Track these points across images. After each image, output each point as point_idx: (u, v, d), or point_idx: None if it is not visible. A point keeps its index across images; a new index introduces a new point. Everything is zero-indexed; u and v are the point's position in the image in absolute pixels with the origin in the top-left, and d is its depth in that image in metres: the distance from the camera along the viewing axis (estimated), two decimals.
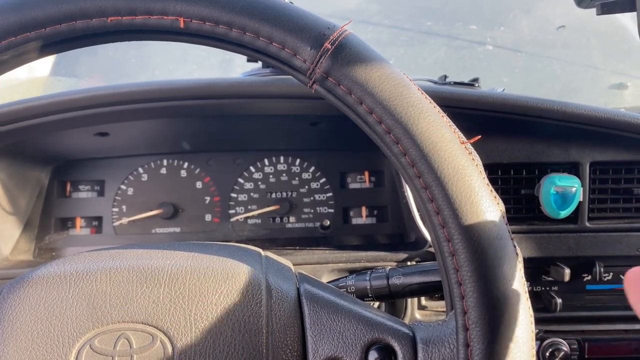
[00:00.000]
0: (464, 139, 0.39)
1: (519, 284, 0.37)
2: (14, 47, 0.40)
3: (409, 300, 0.84)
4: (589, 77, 1.71)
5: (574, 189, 0.82)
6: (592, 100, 1.65)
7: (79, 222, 0.98)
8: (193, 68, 1.92)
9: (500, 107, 0.80)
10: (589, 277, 0.88)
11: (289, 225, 0.99)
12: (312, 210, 0.99)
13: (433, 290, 0.56)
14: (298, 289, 0.46)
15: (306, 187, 1.00)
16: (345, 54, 0.39)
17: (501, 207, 0.38)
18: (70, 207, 0.98)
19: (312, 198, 0.99)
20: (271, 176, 1.00)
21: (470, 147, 0.39)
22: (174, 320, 0.41)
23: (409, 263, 0.85)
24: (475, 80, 0.92)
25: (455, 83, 0.91)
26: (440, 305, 0.88)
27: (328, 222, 0.96)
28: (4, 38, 0.39)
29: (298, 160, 1.00)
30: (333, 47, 0.39)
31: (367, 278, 0.58)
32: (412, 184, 0.39)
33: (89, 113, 0.77)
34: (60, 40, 0.43)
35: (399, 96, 0.39)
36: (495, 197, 0.38)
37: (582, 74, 1.71)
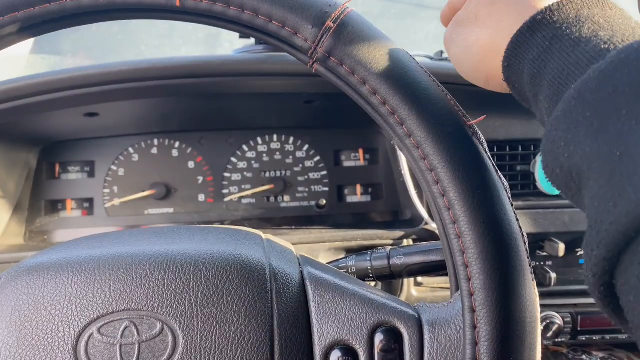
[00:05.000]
0: (470, 119, 0.39)
1: (525, 263, 0.37)
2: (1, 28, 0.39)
3: (407, 278, 0.84)
4: None
5: None
6: None
7: (70, 204, 0.97)
8: (179, 43, 1.88)
9: None
10: (583, 252, 0.89)
11: (284, 205, 0.98)
12: (306, 189, 0.98)
13: (434, 270, 0.55)
14: (301, 272, 0.45)
15: (300, 165, 0.99)
16: (347, 32, 0.37)
17: (506, 187, 0.38)
18: (60, 189, 0.96)
19: (306, 177, 0.98)
20: (265, 155, 0.98)
21: (476, 127, 0.39)
22: (179, 306, 0.40)
23: (405, 241, 0.85)
24: None
25: None
26: (436, 281, 0.88)
27: (324, 202, 0.96)
28: None
29: (292, 139, 0.99)
30: (335, 25, 0.38)
31: (368, 259, 0.57)
32: (416, 165, 0.38)
33: (78, 93, 0.75)
34: (50, 20, 0.41)
35: (403, 76, 0.38)
36: (500, 177, 0.38)
37: None
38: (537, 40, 0.33)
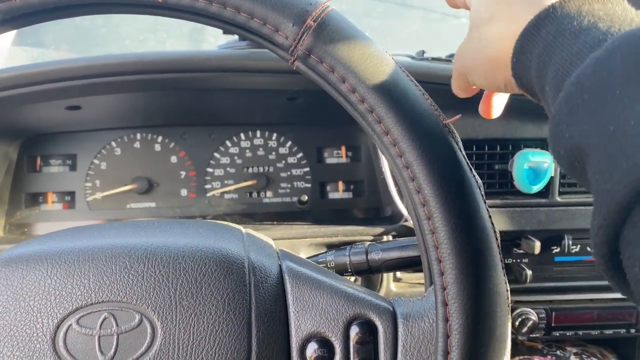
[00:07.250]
0: (445, 118, 0.40)
1: (496, 259, 0.38)
2: None
3: (384, 273, 0.85)
4: None
5: (546, 164, 0.84)
6: None
7: (51, 197, 0.96)
8: (164, 37, 1.87)
9: None
10: (558, 250, 0.91)
11: (266, 200, 0.99)
12: (289, 185, 0.99)
13: (411, 265, 0.57)
14: (280, 266, 0.46)
15: (283, 161, 0.99)
16: (328, 31, 0.38)
17: (479, 184, 0.39)
18: (41, 182, 0.96)
19: (289, 173, 0.99)
20: (247, 151, 0.99)
21: (451, 126, 0.40)
22: (158, 298, 0.41)
23: (385, 237, 0.86)
24: (452, 56, 0.92)
25: (433, 59, 0.91)
26: (414, 277, 0.90)
27: (306, 197, 0.96)
28: None
29: (275, 135, 0.99)
30: (316, 23, 0.38)
31: (347, 254, 0.58)
32: (393, 162, 0.39)
33: (61, 86, 0.75)
34: (32, 12, 0.41)
35: (382, 75, 0.38)
36: (474, 175, 0.39)
37: None
38: (542, 35, 0.35)
